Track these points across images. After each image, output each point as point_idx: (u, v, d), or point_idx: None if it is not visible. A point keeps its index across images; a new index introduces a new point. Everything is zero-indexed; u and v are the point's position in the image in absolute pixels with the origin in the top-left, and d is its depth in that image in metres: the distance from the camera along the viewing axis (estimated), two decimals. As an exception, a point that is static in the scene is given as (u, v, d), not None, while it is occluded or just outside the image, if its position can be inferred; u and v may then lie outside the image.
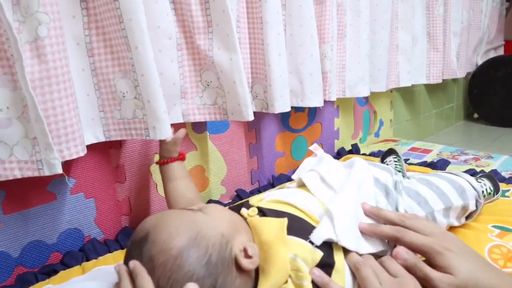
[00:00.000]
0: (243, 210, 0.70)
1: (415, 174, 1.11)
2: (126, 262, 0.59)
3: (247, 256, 0.61)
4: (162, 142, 0.91)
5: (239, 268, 0.60)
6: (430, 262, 0.64)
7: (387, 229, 0.69)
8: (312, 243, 0.64)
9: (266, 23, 1.09)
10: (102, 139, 0.91)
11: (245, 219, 0.68)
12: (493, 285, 0.60)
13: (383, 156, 1.33)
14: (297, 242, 0.64)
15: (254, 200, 0.74)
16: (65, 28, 0.80)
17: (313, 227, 0.67)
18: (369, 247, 0.70)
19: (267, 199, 0.75)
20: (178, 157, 0.93)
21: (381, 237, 0.71)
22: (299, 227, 0.67)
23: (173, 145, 0.91)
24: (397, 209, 0.82)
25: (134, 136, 0.89)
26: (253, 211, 0.69)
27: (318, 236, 0.65)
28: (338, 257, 0.66)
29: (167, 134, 0.86)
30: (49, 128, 0.72)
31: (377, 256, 0.70)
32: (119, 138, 0.91)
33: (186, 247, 0.57)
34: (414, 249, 0.66)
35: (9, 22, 0.67)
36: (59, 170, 0.74)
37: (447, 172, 0.98)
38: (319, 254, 0.63)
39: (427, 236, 0.66)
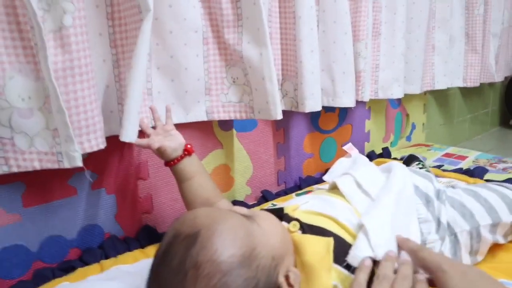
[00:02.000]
0: (284, 224, 0.65)
1: (459, 183, 1.04)
2: (165, 254, 0.53)
3: (289, 284, 0.56)
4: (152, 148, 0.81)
5: None
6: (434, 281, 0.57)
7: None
8: (349, 266, 0.60)
9: (298, 18, 1.05)
10: (117, 132, 0.86)
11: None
12: None
13: (404, 163, 1.26)
14: (338, 270, 0.60)
15: (290, 209, 0.69)
16: (88, 18, 0.77)
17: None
18: None
19: (304, 208, 0.70)
20: (184, 154, 0.82)
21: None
22: (342, 251, 0.61)
23: (165, 143, 0.80)
24: (438, 220, 0.76)
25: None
26: (294, 225, 0.65)
27: (355, 257, 0.60)
28: None
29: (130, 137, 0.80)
30: (70, 119, 0.69)
31: None
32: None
33: (237, 265, 0.52)
34: (424, 264, 0.59)
35: (34, 10, 0.64)
36: (79, 163, 0.71)
37: (497, 184, 0.92)
38: None
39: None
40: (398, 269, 0.57)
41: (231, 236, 0.53)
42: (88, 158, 0.82)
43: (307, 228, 0.64)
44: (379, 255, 0.60)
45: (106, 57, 0.83)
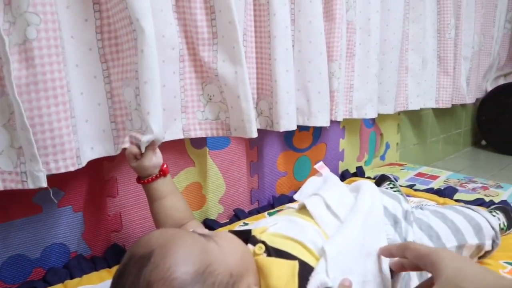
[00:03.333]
0: (250, 247, 0.64)
1: (428, 205, 1.06)
2: (118, 276, 0.53)
3: None
4: (128, 162, 0.81)
5: None
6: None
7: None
8: None
9: (274, 37, 1.05)
10: (112, 152, 0.85)
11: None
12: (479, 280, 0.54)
13: (376, 183, 1.27)
14: None
15: (257, 231, 0.68)
16: (77, 33, 0.77)
17: None
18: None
19: (272, 230, 0.69)
20: (160, 175, 0.81)
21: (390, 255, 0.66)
22: (306, 276, 0.61)
23: (145, 163, 0.79)
24: (405, 241, 0.76)
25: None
26: (260, 248, 0.64)
27: (314, 285, 0.59)
28: None
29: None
30: (35, 137, 0.67)
31: None
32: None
33: (190, 282, 0.51)
34: (415, 256, 0.61)
35: (-2, 22, 0.63)
36: (44, 184, 0.69)
37: (464, 207, 0.93)
38: None
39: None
40: None
41: (185, 254, 0.53)
42: (54, 174, 0.80)
43: (272, 251, 0.63)
44: (335, 285, 0.60)
45: (97, 73, 0.81)
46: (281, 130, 1.10)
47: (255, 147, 1.23)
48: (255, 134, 0.98)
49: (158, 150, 0.82)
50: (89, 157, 0.82)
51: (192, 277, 0.51)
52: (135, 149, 0.79)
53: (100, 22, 0.80)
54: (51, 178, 0.71)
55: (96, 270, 0.87)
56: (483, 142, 2.58)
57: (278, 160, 1.30)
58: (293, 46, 1.16)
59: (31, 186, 0.69)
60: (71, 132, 0.73)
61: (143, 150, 0.79)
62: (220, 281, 0.53)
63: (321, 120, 1.21)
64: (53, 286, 0.80)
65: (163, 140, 0.92)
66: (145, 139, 0.77)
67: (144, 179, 0.80)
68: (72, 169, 0.73)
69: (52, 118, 0.68)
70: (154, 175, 0.80)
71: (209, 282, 0.52)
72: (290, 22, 1.13)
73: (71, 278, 0.83)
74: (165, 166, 0.82)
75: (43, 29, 0.67)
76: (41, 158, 0.68)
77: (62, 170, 0.72)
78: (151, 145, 0.80)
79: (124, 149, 0.80)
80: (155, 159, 0.81)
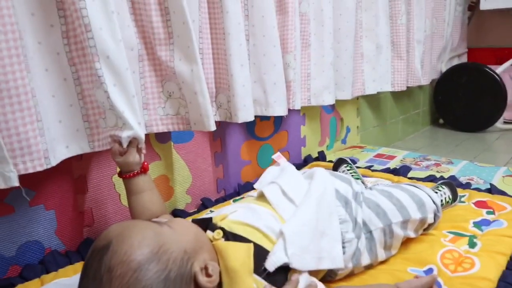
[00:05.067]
0: (209, 233, 0.71)
1: (377, 185, 1.14)
2: (85, 269, 0.59)
3: (207, 275, 0.62)
4: (113, 158, 0.87)
5: (197, 286, 0.61)
6: None
7: None
8: (266, 270, 0.66)
9: (228, 34, 1.11)
10: (87, 150, 0.91)
11: (210, 241, 0.69)
12: None
13: (334, 166, 1.36)
14: (255, 279, 0.66)
15: (217, 218, 0.74)
16: (44, 38, 0.81)
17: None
18: (328, 263, 0.73)
19: (231, 217, 0.75)
20: (141, 171, 0.87)
21: None
22: (261, 259, 0.68)
23: (130, 159, 0.86)
24: (355, 220, 0.84)
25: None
26: (218, 233, 0.70)
27: (272, 263, 0.67)
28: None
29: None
30: (4, 141, 0.71)
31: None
32: (104, 148, 0.91)
33: (146, 261, 0.57)
34: None
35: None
36: (16, 183, 0.74)
37: (409, 184, 1.01)
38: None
39: None
40: None
41: (139, 238, 0.59)
42: (25, 175, 0.84)
43: (230, 237, 0.70)
44: (293, 263, 0.68)
45: (67, 75, 0.86)
46: (240, 121, 1.16)
47: (218, 138, 1.29)
48: (213, 128, 1.04)
49: (134, 154, 0.87)
50: (65, 155, 0.88)
51: (147, 257, 0.58)
52: (118, 147, 0.85)
53: (66, 27, 0.84)
54: (21, 178, 0.76)
55: (71, 263, 0.91)
56: (441, 121, 2.71)
57: (241, 149, 1.37)
58: (248, 40, 1.22)
59: (3, 186, 0.74)
60: (38, 134, 0.78)
61: (125, 146, 0.85)
62: (175, 258, 0.60)
63: (278, 110, 1.28)
64: (30, 281, 0.85)
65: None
66: (125, 135, 0.83)
67: (126, 174, 0.87)
68: (40, 169, 0.78)
69: (18, 123, 0.73)
70: (136, 171, 0.87)
71: (164, 259, 0.59)
72: (244, 18, 1.19)
73: (47, 273, 0.88)
74: (145, 163, 0.89)
75: (3, 40, 0.71)
76: (10, 159, 0.72)
77: (30, 171, 0.76)
78: (133, 143, 0.86)
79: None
80: (137, 156, 0.87)
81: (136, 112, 0.87)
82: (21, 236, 0.90)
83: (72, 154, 0.90)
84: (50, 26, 0.83)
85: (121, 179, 0.88)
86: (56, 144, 0.85)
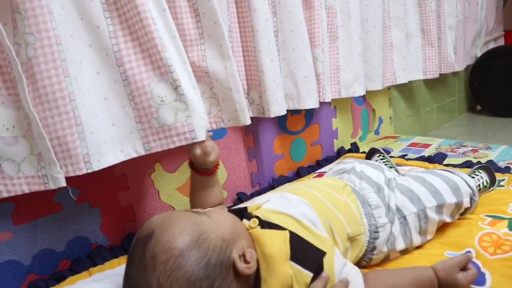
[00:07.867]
0: (245, 221, 0.73)
1: (411, 171, 1.14)
2: (130, 257, 0.63)
3: (245, 261, 0.65)
4: (194, 158, 0.90)
5: (236, 272, 0.63)
6: None
7: None
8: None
9: (256, 31, 1.14)
10: (142, 152, 0.90)
11: (246, 229, 0.72)
12: None
13: (366, 156, 1.36)
14: (292, 266, 0.68)
15: (252, 208, 0.77)
16: (91, 40, 0.84)
17: (310, 245, 0.70)
18: None
19: (265, 207, 0.77)
20: (215, 170, 0.93)
21: None
22: (295, 244, 0.70)
23: (212, 158, 0.90)
24: (388, 205, 0.85)
25: (176, 144, 0.89)
26: (254, 222, 0.72)
27: None
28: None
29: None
30: (52, 143, 0.76)
31: None
32: (159, 149, 0.90)
33: (187, 248, 0.60)
34: None
35: (9, 45, 0.72)
36: (63, 183, 0.78)
37: (443, 170, 1.01)
38: (308, 276, 0.67)
39: None
40: None
41: (180, 227, 0.63)
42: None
43: (265, 225, 0.72)
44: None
45: (117, 77, 0.87)
46: (272, 116, 1.18)
47: (250, 134, 1.32)
48: (248, 122, 1.07)
49: (217, 149, 0.92)
50: (120, 158, 0.89)
51: (188, 245, 0.61)
52: (205, 146, 0.90)
53: (113, 27, 0.86)
54: (67, 178, 0.80)
55: (116, 257, 0.96)
56: (478, 107, 2.64)
57: (274, 144, 1.39)
58: (276, 36, 1.24)
59: (52, 186, 0.79)
60: (77, 139, 0.79)
61: (204, 138, 0.90)
62: (214, 245, 0.63)
63: (310, 102, 1.29)
64: (79, 273, 0.90)
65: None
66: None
67: (203, 171, 0.92)
68: (79, 173, 0.80)
69: (57, 127, 0.76)
70: (212, 170, 0.92)
71: (204, 247, 0.62)
72: (272, 14, 1.21)
73: (94, 266, 0.93)
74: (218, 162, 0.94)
75: (39, 47, 0.74)
76: (58, 161, 0.77)
77: (71, 174, 0.79)
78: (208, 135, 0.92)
79: None
80: (216, 157, 0.92)
81: (201, 102, 0.91)
82: (69, 232, 0.96)
83: (127, 158, 0.89)
84: (96, 27, 0.84)
85: (159, 176, 0.92)
86: (108, 148, 0.86)
